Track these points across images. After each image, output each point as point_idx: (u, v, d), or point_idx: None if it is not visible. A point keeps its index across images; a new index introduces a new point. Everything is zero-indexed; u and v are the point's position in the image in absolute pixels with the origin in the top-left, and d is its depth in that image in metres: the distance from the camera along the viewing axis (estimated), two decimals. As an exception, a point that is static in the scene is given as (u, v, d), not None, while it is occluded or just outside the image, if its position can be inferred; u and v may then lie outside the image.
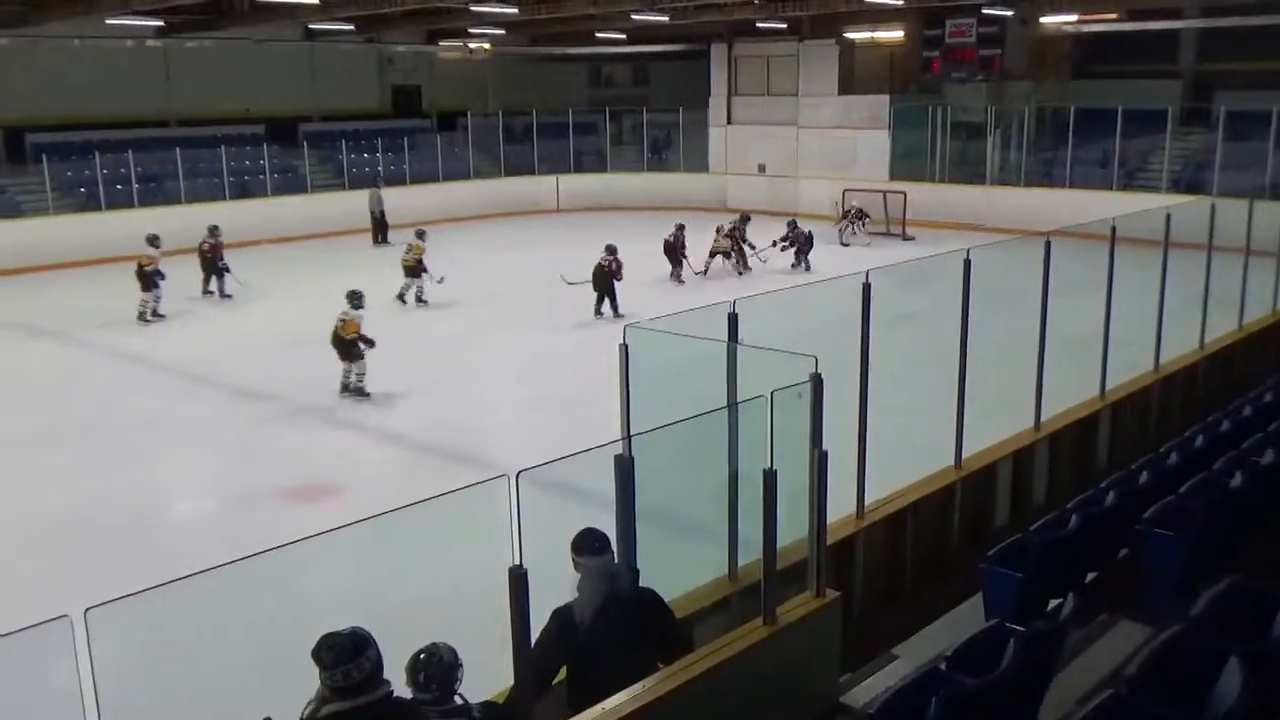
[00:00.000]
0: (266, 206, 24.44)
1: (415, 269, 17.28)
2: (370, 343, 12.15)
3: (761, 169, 28.58)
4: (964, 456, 7.25)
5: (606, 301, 16.27)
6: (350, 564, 5.50)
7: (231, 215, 23.14)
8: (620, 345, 5.09)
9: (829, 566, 5.00)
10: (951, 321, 7.18)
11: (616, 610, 4.14)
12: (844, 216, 23.29)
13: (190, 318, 16.67)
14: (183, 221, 22.06)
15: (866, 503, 6.41)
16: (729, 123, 29.45)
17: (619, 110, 31.13)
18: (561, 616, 4.11)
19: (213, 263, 17.92)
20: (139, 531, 8.55)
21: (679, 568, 5.23)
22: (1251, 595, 4.19)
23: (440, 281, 16.99)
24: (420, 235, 17.77)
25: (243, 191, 24.75)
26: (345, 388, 12.26)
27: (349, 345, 12.16)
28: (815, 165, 27.52)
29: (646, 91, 34.03)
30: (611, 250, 16.47)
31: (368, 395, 12.15)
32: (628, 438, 4.75)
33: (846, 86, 27.51)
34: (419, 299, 17.21)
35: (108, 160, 23.28)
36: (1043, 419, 8.02)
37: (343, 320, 12.17)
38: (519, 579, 3.45)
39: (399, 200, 25.38)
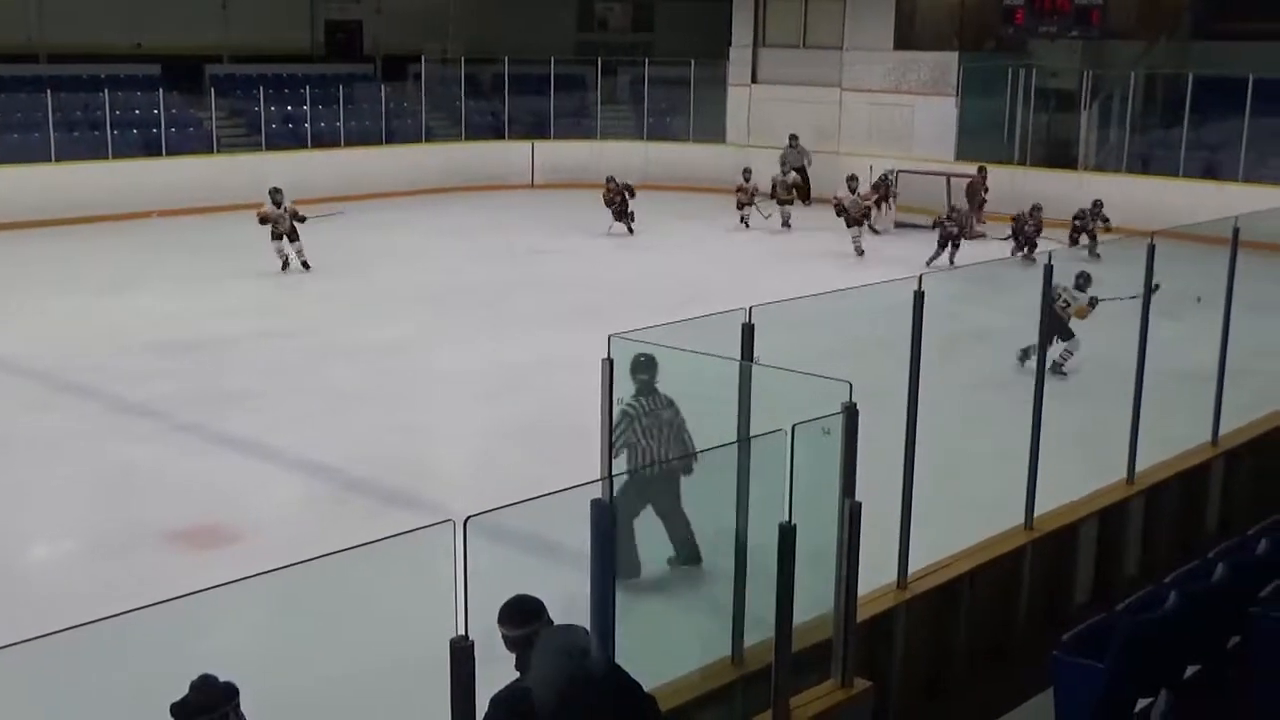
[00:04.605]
0: (159, 169, 24.45)
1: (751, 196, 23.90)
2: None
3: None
4: (1036, 514, 7.29)
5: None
6: (249, 627, 5.52)
7: (115, 179, 23.22)
8: (603, 360, 5.12)
9: (859, 649, 5.03)
10: (1026, 342, 7.23)
11: (585, 699, 4.08)
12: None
13: (56, 308, 16.66)
14: (43, 180, 22.11)
15: (910, 569, 6.44)
16: (754, 81, 29.57)
17: (615, 61, 31.26)
18: (511, 706, 3.92)
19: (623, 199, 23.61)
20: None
21: (668, 645, 5.25)
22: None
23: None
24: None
25: (130, 148, 24.73)
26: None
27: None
28: (861, 139, 27.61)
29: (650, 38, 34.21)
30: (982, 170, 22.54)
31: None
32: (609, 477, 4.79)
33: (905, 39, 27.63)
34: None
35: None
36: (1138, 469, 8.06)
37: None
38: (463, 653, 3.46)
39: (318, 167, 25.46)
